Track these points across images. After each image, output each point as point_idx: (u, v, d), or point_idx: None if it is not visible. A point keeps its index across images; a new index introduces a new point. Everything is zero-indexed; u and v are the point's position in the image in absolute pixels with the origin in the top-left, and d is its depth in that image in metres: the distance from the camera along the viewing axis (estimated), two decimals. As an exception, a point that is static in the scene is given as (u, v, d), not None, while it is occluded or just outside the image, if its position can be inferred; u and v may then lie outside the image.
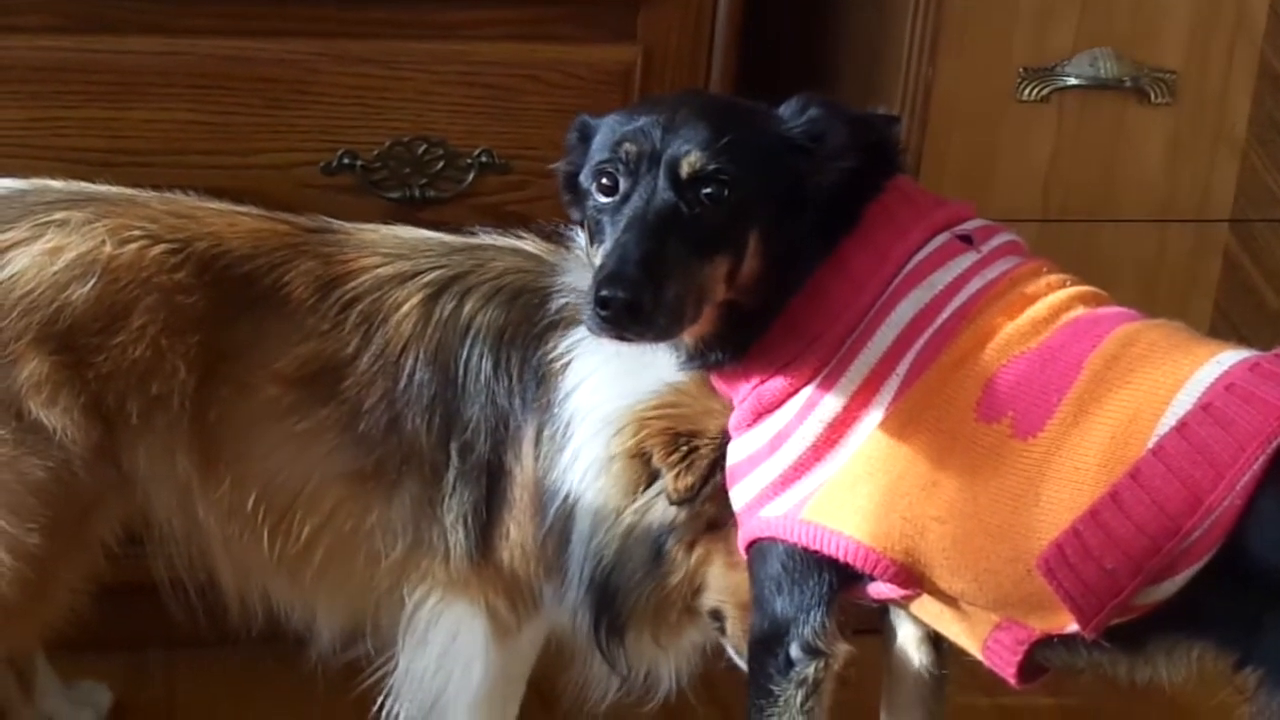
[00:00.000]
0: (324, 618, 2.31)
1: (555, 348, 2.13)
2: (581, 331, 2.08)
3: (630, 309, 1.77)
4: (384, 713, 2.29)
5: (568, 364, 2.12)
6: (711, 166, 1.83)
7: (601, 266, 1.81)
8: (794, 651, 1.92)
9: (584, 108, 2.54)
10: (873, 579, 1.87)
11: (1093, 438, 1.70)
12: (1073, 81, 2.63)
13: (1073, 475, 1.70)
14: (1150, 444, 1.67)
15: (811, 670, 1.92)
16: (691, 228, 1.82)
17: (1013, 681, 1.87)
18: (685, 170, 1.84)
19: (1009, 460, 1.74)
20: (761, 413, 1.93)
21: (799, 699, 1.93)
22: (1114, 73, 2.64)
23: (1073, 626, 1.73)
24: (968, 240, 1.93)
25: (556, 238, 2.25)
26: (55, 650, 2.50)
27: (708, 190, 1.83)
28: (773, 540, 1.90)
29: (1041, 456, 1.73)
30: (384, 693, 2.29)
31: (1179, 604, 1.69)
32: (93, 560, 2.25)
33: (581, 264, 2.12)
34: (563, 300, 2.15)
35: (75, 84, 2.42)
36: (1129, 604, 1.69)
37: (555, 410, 2.13)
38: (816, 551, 1.86)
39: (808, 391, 1.89)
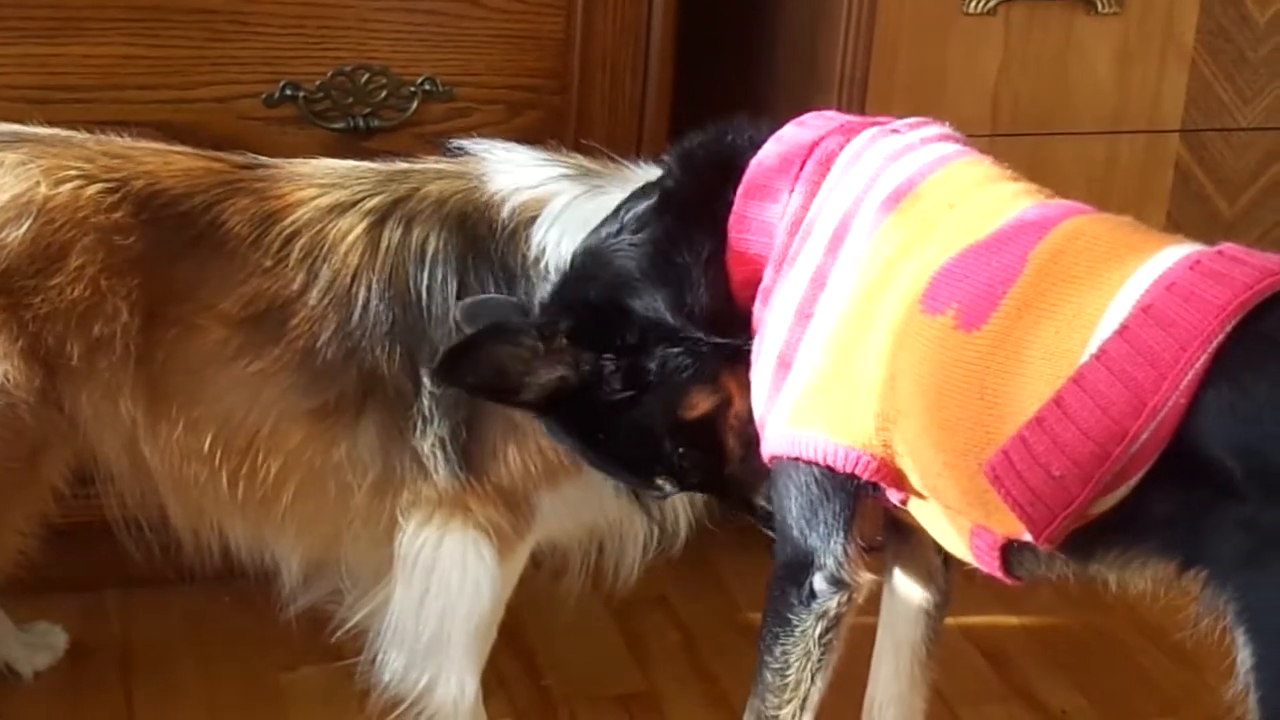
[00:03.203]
0: (292, 556, 2.28)
1: (529, 246, 2.11)
2: (545, 224, 2.09)
3: None
4: (371, 658, 2.24)
5: (544, 255, 2.10)
6: None
7: None
8: (818, 583, 1.88)
9: (527, 31, 2.54)
10: (869, 485, 1.85)
11: (1036, 332, 1.70)
12: (1019, -8, 2.62)
13: (1016, 369, 1.70)
14: (1092, 340, 1.67)
15: (834, 604, 1.89)
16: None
17: (1008, 582, 1.87)
18: None
19: (953, 353, 1.74)
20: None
21: (818, 631, 1.90)
22: (1060, -18, 2.63)
23: (1027, 535, 1.73)
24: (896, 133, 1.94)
25: (461, 153, 2.22)
26: (8, 593, 2.48)
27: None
28: (783, 461, 1.88)
29: (985, 350, 1.72)
30: (367, 635, 2.24)
31: (1124, 509, 1.69)
32: (41, 503, 2.23)
33: (503, 168, 2.15)
34: (510, 205, 2.12)
35: (9, 20, 2.38)
36: (1083, 513, 1.69)
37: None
38: (824, 467, 1.84)
39: (772, 304, 1.91)
